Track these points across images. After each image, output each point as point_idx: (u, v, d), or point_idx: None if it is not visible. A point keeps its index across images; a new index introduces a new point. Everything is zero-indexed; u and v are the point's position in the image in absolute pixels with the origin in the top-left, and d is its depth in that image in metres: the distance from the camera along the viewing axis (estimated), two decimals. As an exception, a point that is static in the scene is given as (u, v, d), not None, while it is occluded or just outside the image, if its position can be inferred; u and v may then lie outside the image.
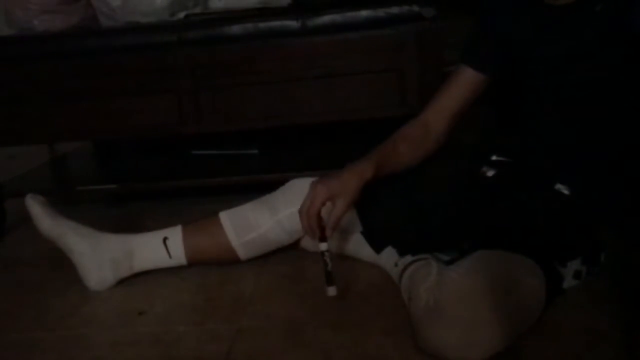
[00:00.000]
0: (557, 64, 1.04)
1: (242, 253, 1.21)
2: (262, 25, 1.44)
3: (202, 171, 1.66)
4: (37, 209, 1.21)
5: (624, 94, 1.02)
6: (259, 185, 1.35)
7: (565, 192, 1.06)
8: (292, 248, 1.27)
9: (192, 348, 0.99)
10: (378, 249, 1.17)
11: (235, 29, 1.45)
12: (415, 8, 1.38)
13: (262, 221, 1.19)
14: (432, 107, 1.17)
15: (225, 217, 1.21)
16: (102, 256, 1.20)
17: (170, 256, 1.21)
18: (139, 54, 1.49)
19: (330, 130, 1.75)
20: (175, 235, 1.21)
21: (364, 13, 1.40)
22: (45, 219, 1.21)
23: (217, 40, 1.47)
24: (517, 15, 1.09)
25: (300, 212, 1.06)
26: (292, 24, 1.42)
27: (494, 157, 1.15)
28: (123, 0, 1.60)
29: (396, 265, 1.11)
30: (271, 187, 1.24)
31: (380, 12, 1.39)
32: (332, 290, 1.03)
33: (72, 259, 1.21)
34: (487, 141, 1.25)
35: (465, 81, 1.14)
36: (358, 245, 1.23)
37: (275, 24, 1.44)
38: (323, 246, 1.04)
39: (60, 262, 1.25)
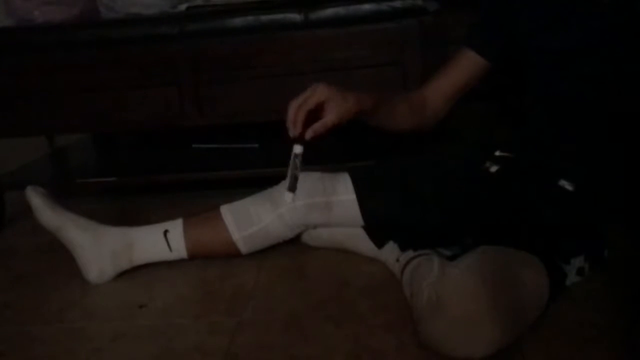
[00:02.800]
0: (563, 57, 1.03)
1: (243, 247, 1.21)
2: (264, 18, 1.43)
3: (202, 164, 1.65)
4: (37, 200, 1.21)
5: (629, 88, 1.01)
6: (259, 179, 1.35)
7: (569, 188, 1.05)
8: (293, 242, 1.27)
9: (192, 341, 0.99)
10: (379, 243, 1.17)
11: (237, 21, 1.44)
12: (419, 2, 1.37)
13: (263, 215, 1.18)
14: (431, 84, 1.17)
15: (226, 210, 1.20)
16: (102, 249, 1.19)
17: (170, 249, 1.21)
18: (140, 46, 1.48)
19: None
20: (175, 228, 1.21)
21: (367, 6, 1.39)
22: (45, 211, 1.20)
23: (218, 32, 1.46)
24: (524, 5, 1.08)
25: (291, 102, 1.01)
26: (295, 16, 1.41)
27: (497, 153, 1.15)
28: (124, -8, 1.59)
29: (398, 260, 1.11)
30: (272, 181, 1.23)
31: (384, 6, 1.38)
32: (289, 196, 1.00)
33: (72, 252, 1.21)
34: (490, 137, 1.25)
35: (466, 64, 1.14)
36: (359, 240, 1.22)
37: (278, 16, 1.43)
38: (297, 148, 0.99)
39: (60, 254, 1.25)
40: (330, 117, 1.00)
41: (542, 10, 1.06)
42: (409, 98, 1.16)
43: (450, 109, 1.18)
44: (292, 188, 1.00)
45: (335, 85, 1.02)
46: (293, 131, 1.00)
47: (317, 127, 1.00)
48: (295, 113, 1.00)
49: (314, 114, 1.01)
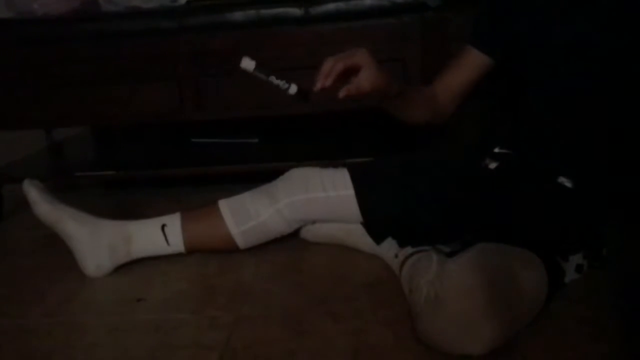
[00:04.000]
0: (563, 52, 1.03)
1: (241, 242, 1.21)
2: (265, 12, 1.43)
3: (201, 159, 1.65)
4: (34, 194, 1.20)
5: (629, 86, 1.01)
6: (258, 174, 1.34)
7: (568, 185, 1.05)
8: (291, 238, 1.26)
9: (190, 336, 0.98)
10: (378, 239, 1.16)
11: (237, 15, 1.44)
12: (420, -3, 1.37)
13: (262, 210, 1.18)
14: (439, 82, 1.18)
15: (224, 205, 1.20)
16: (99, 242, 1.19)
17: (168, 243, 1.21)
18: (140, 39, 1.48)
19: (331, 119, 1.74)
20: (173, 222, 1.21)
21: (368, 2, 1.38)
22: (42, 204, 1.20)
23: (218, 26, 1.46)
24: (525, 0, 1.08)
25: (329, 58, 1.01)
26: (295, 11, 1.41)
27: (496, 150, 1.15)
28: (124, -15, 1.58)
29: (396, 256, 1.10)
30: (271, 176, 1.23)
31: (385, 1, 1.37)
32: (248, 63, 0.94)
33: (70, 245, 1.20)
34: (490, 133, 1.25)
35: (470, 62, 1.15)
36: (358, 236, 1.22)
37: (278, 11, 1.42)
38: (294, 88, 0.98)
39: (57, 247, 1.24)
40: (364, 84, 1.00)
41: (543, 4, 1.05)
42: (422, 92, 1.17)
43: (459, 105, 1.18)
44: (260, 69, 0.94)
45: (373, 58, 1.02)
46: (324, 82, 0.98)
47: (353, 88, 1.00)
48: (331, 67, 0.98)
49: (345, 75, 1.00)
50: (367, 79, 0.99)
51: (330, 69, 0.98)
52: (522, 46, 1.09)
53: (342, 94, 0.99)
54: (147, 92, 1.50)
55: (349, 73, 1.00)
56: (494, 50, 1.13)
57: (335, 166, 1.19)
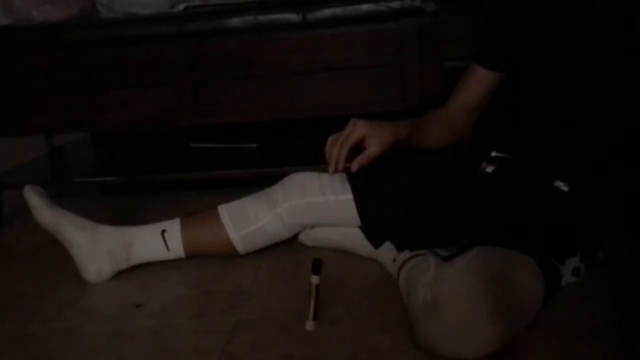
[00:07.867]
0: (559, 57, 1.04)
1: (241, 246, 1.21)
2: (263, 18, 1.43)
3: (200, 164, 1.65)
4: (35, 199, 1.21)
5: (624, 91, 1.02)
6: (257, 179, 1.35)
7: (564, 189, 1.05)
8: (290, 242, 1.27)
9: (189, 341, 0.99)
10: (376, 244, 1.17)
11: (235, 21, 1.45)
12: (417, 2, 1.37)
13: (261, 215, 1.18)
14: (453, 99, 1.20)
15: (223, 210, 1.20)
16: (99, 248, 1.19)
17: (168, 249, 1.21)
18: (138, 45, 1.48)
19: (329, 124, 1.74)
20: (173, 228, 1.21)
21: (365, 7, 1.39)
22: (43, 210, 1.21)
23: (216, 32, 1.46)
24: (522, 8, 1.08)
25: (333, 140, 1.08)
26: (293, 17, 1.41)
27: (493, 153, 1.16)
28: (122, -8, 1.59)
29: (394, 260, 1.11)
30: (270, 181, 1.24)
31: (382, 6, 1.38)
32: (311, 325, 0.99)
33: (70, 251, 1.21)
34: (487, 137, 1.25)
35: (479, 80, 1.17)
36: (356, 240, 1.22)
37: (276, 17, 1.43)
38: (315, 279, 1.01)
39: (57, 253, 1.25)
40: (372, 150, 1.07)
41: (540, 11, 1.06)
42: (439, 117, 1.20)
43: (478, 119, 1.21)
44: (315, 317, 1.00)
45: (372, 121, 1.08)
46: (335, 167, 1.06)
47: (362, 159, 1.06)
48: (339, 151, 1.06)
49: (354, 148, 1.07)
50: (373, 144, 1.06)
51: (338, 155, 1.06)
52: (521, 51, 1.09)
53: (354, 168, 1.06)
54: (146, 97, 1.51)
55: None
56: (499, 65, 1.14)
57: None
